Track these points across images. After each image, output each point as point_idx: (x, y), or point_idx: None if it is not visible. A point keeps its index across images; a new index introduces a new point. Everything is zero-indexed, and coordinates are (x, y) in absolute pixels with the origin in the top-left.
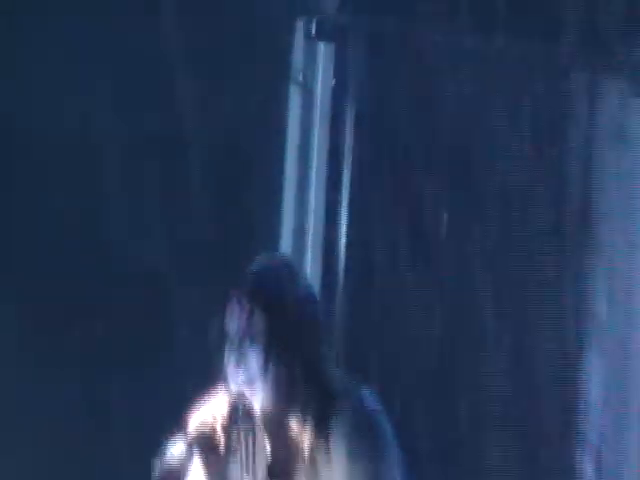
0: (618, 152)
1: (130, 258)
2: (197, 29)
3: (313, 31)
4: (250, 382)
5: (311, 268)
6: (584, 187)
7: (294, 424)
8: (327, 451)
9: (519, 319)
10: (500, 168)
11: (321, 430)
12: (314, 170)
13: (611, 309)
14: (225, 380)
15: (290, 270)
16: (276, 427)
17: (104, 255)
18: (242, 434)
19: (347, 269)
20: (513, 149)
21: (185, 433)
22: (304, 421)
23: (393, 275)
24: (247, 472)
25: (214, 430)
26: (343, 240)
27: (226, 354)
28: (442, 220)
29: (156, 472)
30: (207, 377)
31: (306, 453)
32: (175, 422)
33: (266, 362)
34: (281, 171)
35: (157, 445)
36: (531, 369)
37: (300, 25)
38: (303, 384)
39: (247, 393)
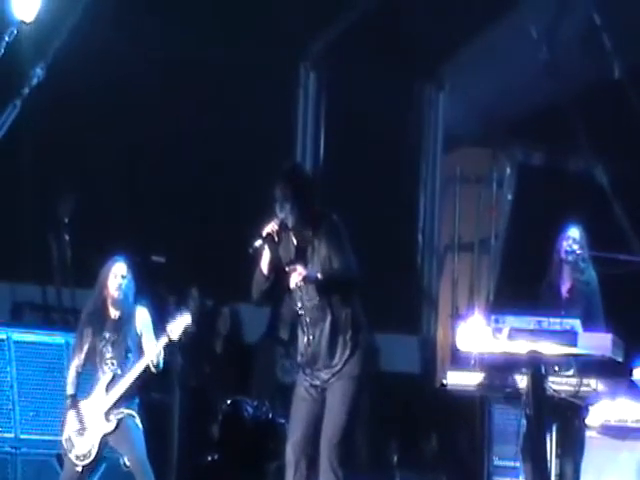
0: None
1: None
2: None
3: None
4: (285, 215)
5: None
6: None
7: (306, 234)
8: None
9: None
10: None
11: (319, 236)
12: None
13: None
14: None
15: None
16: (298, 233)
17: None
18: (284, 236)
19: None
20: None
21: (260, 236)
22: (309, 233)
23: None
24: (285, 251)
25: (272, 230)
26: None
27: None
28: None
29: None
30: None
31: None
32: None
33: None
34: None
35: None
36: None
37: None
38: (309, 217)
39: (284, 218)
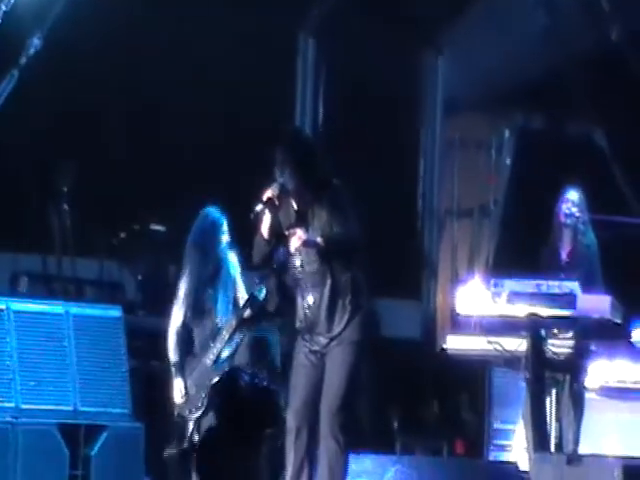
0: None
1: None
2: None
3: None
4: (286, 179)
5: None
6: None
7: (307, 199)
8: (320, 206)
9: None
10: None
11: (320, 201)
12: None
13: None
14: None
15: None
16: (298, 198)
17: None
18: (284, 201)
19: None
20: None
21: (261, 200)
22: (309, 197)
23: None
24: (286, 215)
25: (272, 194)
26: None
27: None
28: None
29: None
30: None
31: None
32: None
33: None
34: None
35: None
36: None
37: None
38: (310, 181)
39: (284, 182)
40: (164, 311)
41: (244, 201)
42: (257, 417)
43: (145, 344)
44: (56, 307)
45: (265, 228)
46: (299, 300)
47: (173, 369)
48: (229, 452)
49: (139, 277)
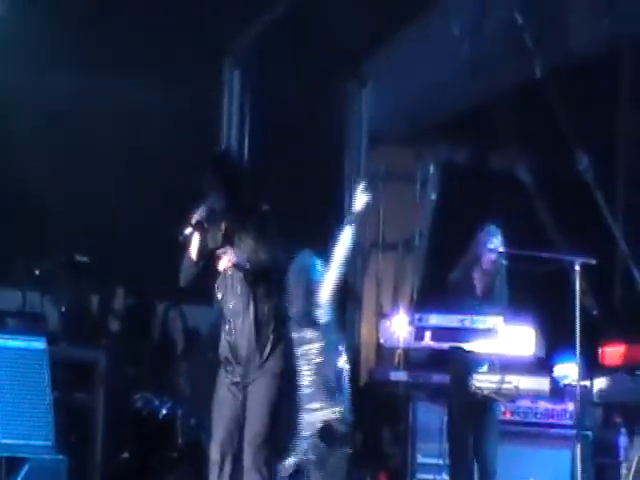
0: None
1: None
2: None
3: None
4: (214, 202)
5: None
6: None
7: (234, 222)
8: (247, 230)
9: None
10: None
11: (248, 225)
12: None
13: None
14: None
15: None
16: (226, 221)
17: None
18: (212, 223)
19: None
20: None
21: (189, 223)
22: (237, 221)
23: None
24: (213, 238)
25: (200, 217)
26: None
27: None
28: None
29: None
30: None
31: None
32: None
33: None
34: None
35: None
36: None
37: None
38: (239, 205)
39: (212, 205)
40: (87, 342)
41: (173, 231)
42: (156, 445)
43: (68, 375)
44: None
45: (193, 250)
46: (222, 324)
47: None
48: None
49: (62, 308)
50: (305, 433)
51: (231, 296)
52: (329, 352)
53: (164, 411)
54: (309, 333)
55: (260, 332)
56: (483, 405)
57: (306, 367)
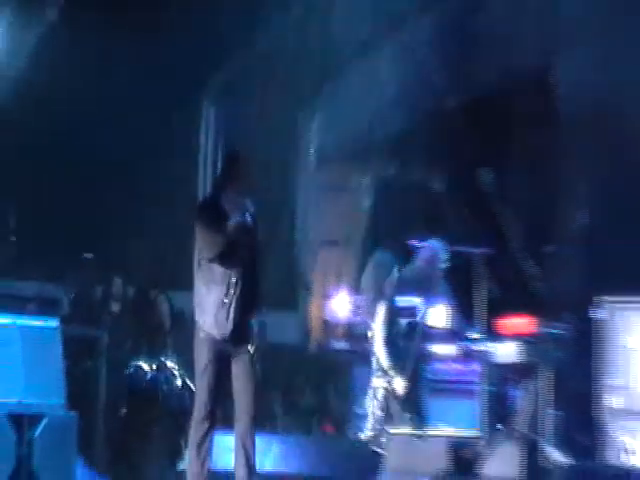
0: None
1: None
2: None
3: None
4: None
5: None
6: None
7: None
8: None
9: None
10: None
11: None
12: None
13: None
14: None
15: None
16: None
17: None
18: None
19: None
20: None
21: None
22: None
23: None
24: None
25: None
26: None
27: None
28: None
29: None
30: None
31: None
32: None
33: None
34: None
35: None
36: None
37: None
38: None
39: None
40: (92, 322)
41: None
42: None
43: (76, 348)
44: (7, 320)
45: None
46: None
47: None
48: None
49: (71, 295)
50: None
51: (226, 278)
52: None
53: (149, 377)
54: None
55: (245, 313)
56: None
57: None
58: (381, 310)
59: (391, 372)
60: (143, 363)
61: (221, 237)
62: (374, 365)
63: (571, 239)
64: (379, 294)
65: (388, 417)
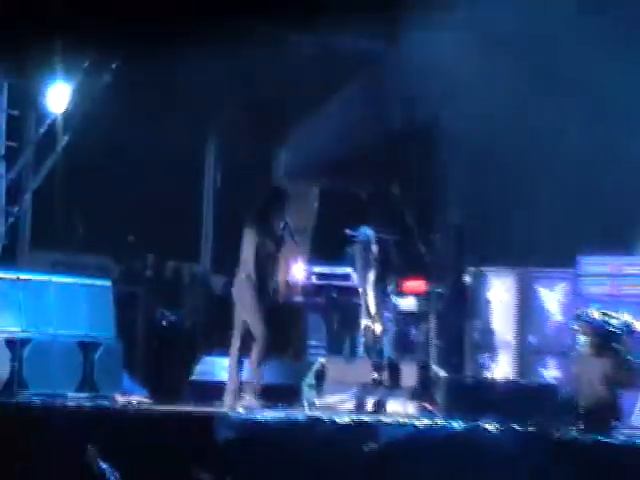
0: None
1: None
2: None
3: None
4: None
5: None
6: None
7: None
8: None
9: None
10: None
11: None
12: None
13: None
14: None
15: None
16: None
17: None
18: None
19: None
20: None
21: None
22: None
23: None
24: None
25: None
26: None
27: None
28: None
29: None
30: None
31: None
32: None
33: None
34: None
35: None
36: None
37: None
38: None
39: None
40: (133, 283)
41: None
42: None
43: (122, 300)
44: (76, 280)
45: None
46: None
47: None
48: None
49: (120, 265)
50: None
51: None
52: None
53: (172, 319)
54: None
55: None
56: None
57: None
58: (371, 273)
59: (375, 317)
60: (166, 310)
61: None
62: (364, 312)
63: (449, 228)
64: (368, 262)
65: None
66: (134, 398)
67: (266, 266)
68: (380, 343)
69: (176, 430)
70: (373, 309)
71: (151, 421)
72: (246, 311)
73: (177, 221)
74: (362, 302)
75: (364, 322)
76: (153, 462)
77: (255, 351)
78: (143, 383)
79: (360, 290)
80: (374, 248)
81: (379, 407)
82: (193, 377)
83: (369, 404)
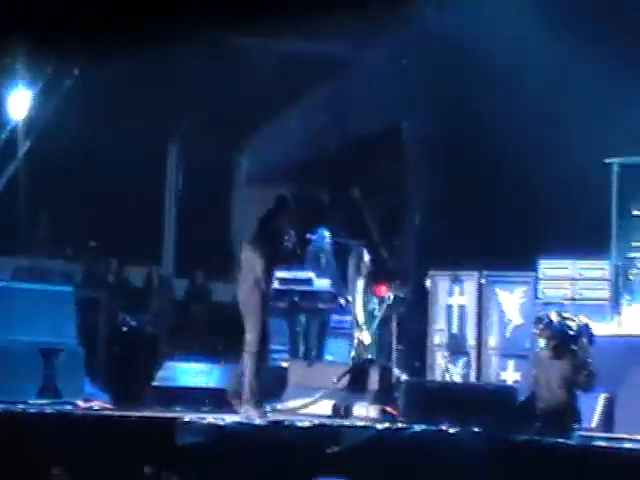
0: None
1: None
2: None
3: None
4: None
5: None
6: None
7: None
8: None
9: None
10: None
11: None
12: None
13: None
14: None
15: None
16: None
17: None
18: None
19: None
20: None
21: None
22: None
23: None
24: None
25: None
26: None
27: None
28: None
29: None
30: None
31: None
32: None
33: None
34: None
35: None
36: None
37: None
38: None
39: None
40: (96, 288)
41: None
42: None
43: (84, 305)
44: (38, 286)
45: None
46: None
47: None
48: None
49: (83, 270)
50: None
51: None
52: None
53: (134, 324)
54: None
55: None
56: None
57: None
58: (360, 282)
59: (363, 327)
60: (127, 316)
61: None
62: (353, 322)
63: (410, 233)
64: (358, 270)
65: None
66: (96, 403)
67: (272, 276)
68: (369, 353)
69: (138, 435)
70: (361, 318)
71: (113, 426)
72: (250, 319)
73: (139, 225)
74: (351, 312)
75: (355, 334)
76: (114, 467)
77: (250, 359)
78: (105, 388)
79: (349, 299)
80: (366, 257)
81: (343, 411)
82: (155, 382)
83: (332, 408)
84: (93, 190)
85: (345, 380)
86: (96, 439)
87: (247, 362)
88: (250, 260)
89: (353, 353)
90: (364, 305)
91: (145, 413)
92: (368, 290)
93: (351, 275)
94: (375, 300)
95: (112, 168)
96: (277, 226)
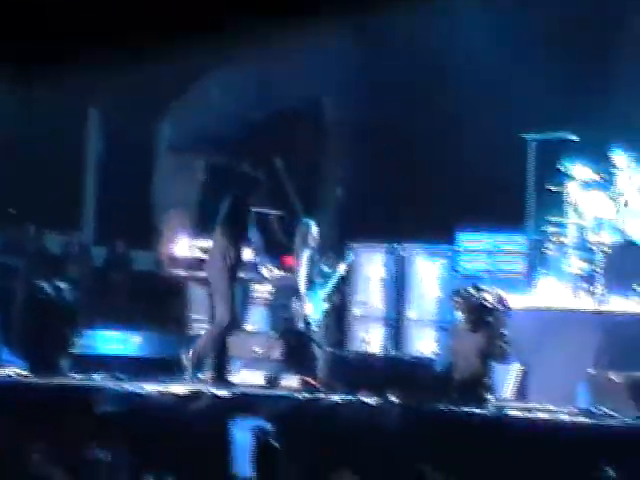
0: None
1: None
2: None
3: None
4: None
5: None
6: None
7: None
8: None
9: None
10: None
11: None
12: None
13: None
14: None
15: None
16: None
17: None
18: None
19: None
20: None
21: None
22: None
23: None
24: None
25: None
26: None
27: None
28: None
29: None
30: None
31: None
32: None
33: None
34: None
35: None
36: None
37: None
38: None
39: None
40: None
41: None
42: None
43: (3, 271)
44: None
45: None
46: None
47: None
48: None
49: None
50: None
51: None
52: None
53: (52, 291)
54: None
55: None
56: None
57: None
58: (305, 254)
59: (305, 298)
60: (46, 282)
61: None
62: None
63: (331, 205)
64: (304, 242)
65: None
66: (13, 370)
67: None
68: (307, 323)
69: (56, 402)
70: (303, 289)
71: (30, 393)
72: (221, 295)
73: (58, 191)
74: (296, 282)
75: (294, 304)
76: (31, 434)
77: (218, 332)
78: (22, 356)
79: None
80: (314, 229)
81: (268, 380)
82: (74, 350)
83: (256, 377)
84: (11, 157)
85: (268, 350)
86: (11, 406)
87: (214, 334)
88: (221, 239)
89: (283, 323)
90: (308, 276)
91: (63, 381)
92: (312, 262)
93: (297, 246)
94: (324, 270)
95: (31, 135)
96: (248, 205)
